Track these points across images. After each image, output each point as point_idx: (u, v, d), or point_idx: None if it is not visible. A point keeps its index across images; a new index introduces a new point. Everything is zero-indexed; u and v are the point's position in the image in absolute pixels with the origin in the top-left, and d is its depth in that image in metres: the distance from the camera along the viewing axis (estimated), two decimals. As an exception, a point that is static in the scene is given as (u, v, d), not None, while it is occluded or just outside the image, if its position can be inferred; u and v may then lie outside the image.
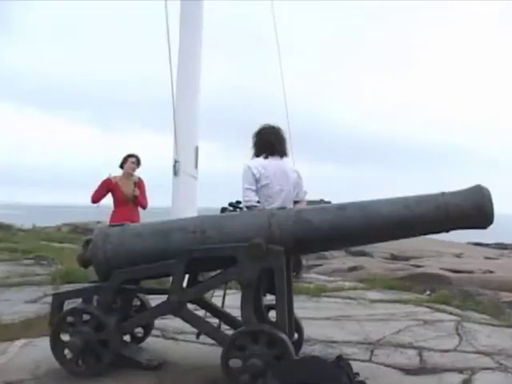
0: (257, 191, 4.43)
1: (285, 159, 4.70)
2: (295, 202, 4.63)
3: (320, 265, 13.23)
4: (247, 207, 4.41)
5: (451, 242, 21.68)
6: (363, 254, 16.15)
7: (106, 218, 7.55)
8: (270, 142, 4.56)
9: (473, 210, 3.54)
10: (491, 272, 11.89)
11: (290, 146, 4.89)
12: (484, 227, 3.67)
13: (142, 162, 7.70)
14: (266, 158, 4.54)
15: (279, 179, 4.51)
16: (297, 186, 4.66)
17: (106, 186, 7.44)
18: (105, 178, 7.48)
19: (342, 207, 3.79)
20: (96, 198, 7.44)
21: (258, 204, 4.37)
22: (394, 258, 16.62)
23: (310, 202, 5.01)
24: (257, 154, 4.61)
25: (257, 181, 4.43)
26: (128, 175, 7.52)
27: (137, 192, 7.40)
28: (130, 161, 7.56)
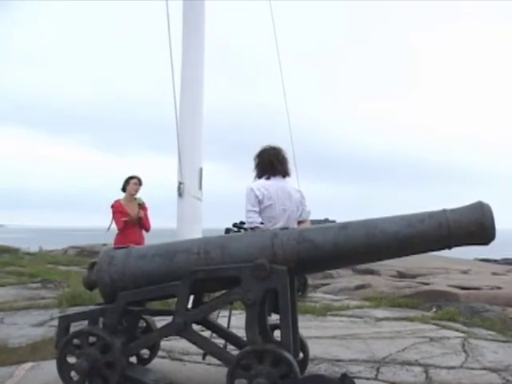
0: (260, 212, 4.45)
1: (287, 179, 4.72)
2: (299, 222, 4.63)
3: (326, 284, 13.16)
4: (251, 228, 4.43)
5: (458, 259, 21.59)
6: (370, 272, 16.08)
7: (112, 241, 7.58)
8: (271, 163, 4.59)
9: (474, 226, 3.53)
10: (499, 288, 11.80)
11: (292, 166, 4.90)
12: (485, 244, 3.66)
13: (144, 183, 7.75)
14: (268, 178, 4.56)
15: (282, 200, 4.53)
16: (300, 205, 4.67)
17: (117, 209, 7.46)
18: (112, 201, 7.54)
19: (344, 226, 3.80)
20: (120, 224, 7.45)
21: (261, 225, 4.38)
22: (401, 275, 16.52)
23: (314, 222, 5.01)
24: (259, 176, 4.63)
25: (260, 202, 4.44)
26: (131, 197, 7.56)
27: (142, 214, 7.44)
28: (132, 182, 7.61)
